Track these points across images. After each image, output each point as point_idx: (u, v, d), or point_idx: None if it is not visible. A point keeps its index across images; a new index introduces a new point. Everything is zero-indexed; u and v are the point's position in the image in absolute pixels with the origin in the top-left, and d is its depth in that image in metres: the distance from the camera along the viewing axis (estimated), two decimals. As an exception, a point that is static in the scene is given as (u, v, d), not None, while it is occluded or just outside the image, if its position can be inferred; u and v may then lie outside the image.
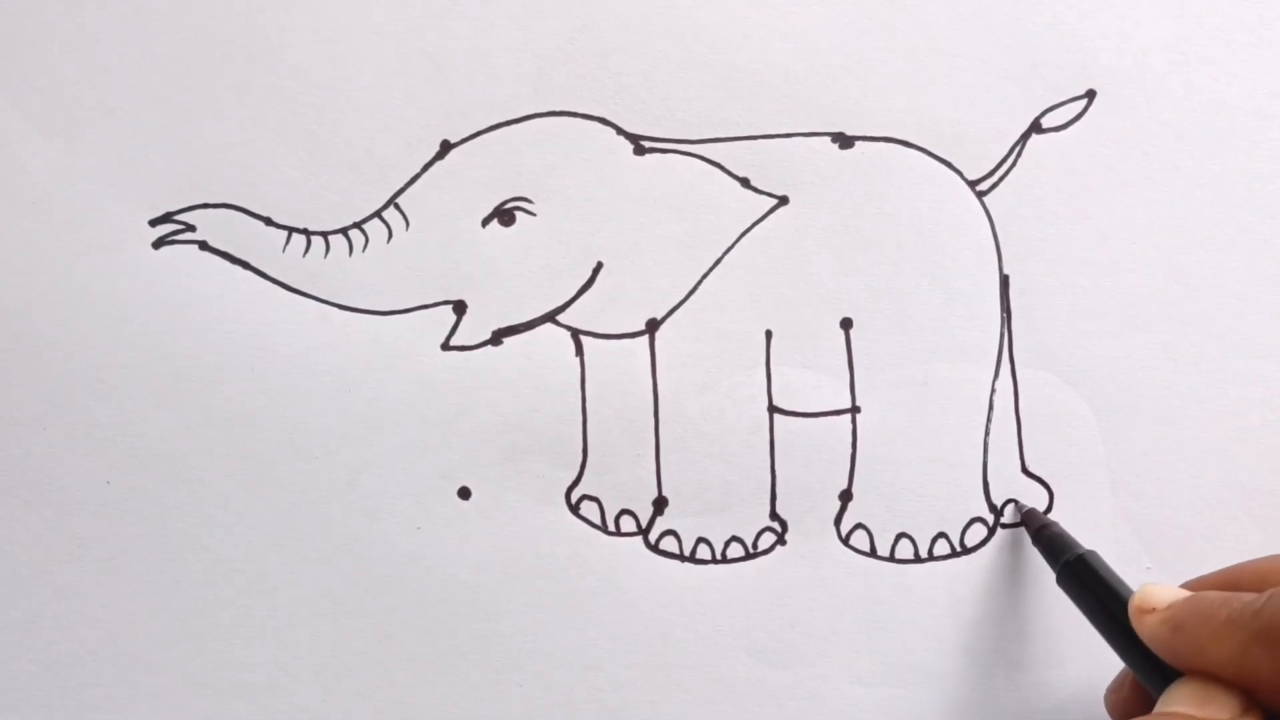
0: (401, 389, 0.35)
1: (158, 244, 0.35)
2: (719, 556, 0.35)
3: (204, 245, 0.35)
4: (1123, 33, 0.35)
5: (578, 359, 0.35)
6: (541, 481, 0.35)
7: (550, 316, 0.35)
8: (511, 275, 0.35)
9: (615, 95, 0.35)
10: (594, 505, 0.35)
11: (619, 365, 0.35)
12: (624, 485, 0.35)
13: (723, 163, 0.35)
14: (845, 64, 0.35)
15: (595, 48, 0.35)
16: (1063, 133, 0.35)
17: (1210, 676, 0.26)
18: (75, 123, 0.35)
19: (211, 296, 0.35)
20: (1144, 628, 0.28)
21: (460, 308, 0.35)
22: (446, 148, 0.35)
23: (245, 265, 0.35)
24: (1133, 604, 0.28)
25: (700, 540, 0.35)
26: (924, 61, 0.35)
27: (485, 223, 0.35)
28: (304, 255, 0.35)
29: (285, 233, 0.35)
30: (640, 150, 0.35)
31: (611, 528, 0.35)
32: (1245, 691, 0.26)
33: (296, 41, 0.35)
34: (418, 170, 0.35)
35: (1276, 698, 0.25)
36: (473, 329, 0.35)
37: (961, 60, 0.35)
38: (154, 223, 0.35)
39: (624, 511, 0.35)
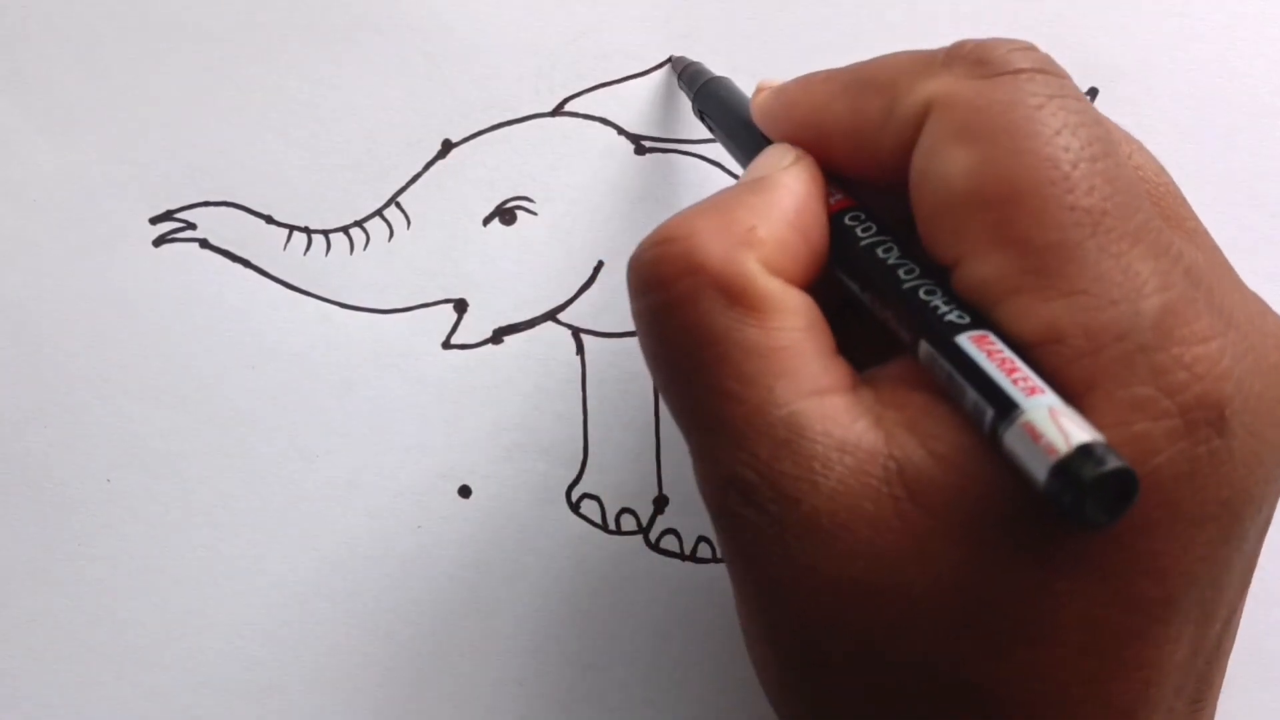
0: (402, 388, 0.35)
1: (158, 242, 0.35)
2: (720, 556, 0.35)
3: (204, 243, 0.35)
4: (1125, 30, 0.35)
5: (579, 358, 0.35)
6: (542, 480, 0.35)
7: (551, 315, 0.35)
8: (512, 274, 0.35)
9: (616, 95, 0.35)
10: (595, 504, 0.35)
11: (620, 364, 0.35)
12: (624, 484, 0.35)
13: (723, 163, 0.35)
14: (845, 64, 0.35)
15: (596, 48, 0.35)
16: (1064, 131, 0.35)
17: (787, 136, 0.26)
18: (75, 122, 0.35)
19: (212, 295, 0.35)
20: (756, 103, 0.28)
21: (461, 306, 0.35)
22: (448, 147, 0.35)
23: (246, 263, 0.35)
24: (757, 87, 0.28)
25: (701, 539, 0.35)
26: (925, 61, 0.35)
27: (486, 221, 0.35)
28: (305, 254, 0.35)
29: (286, 231, 0.35)
30: (641, 150, 0.35)
31: (612, 526, 0.35)
32: (819, 146, 0.25)
33: (296, 41, 0.35)
34: (419, 169, 0.35)
35: (844, 150, 0.25)
36: (474, 327, 0.35)
37: (962, 60, 0.35)
38: (154, 220, 0.35)
39: (624, 510, 0.35)
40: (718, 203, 0.24)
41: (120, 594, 0.35)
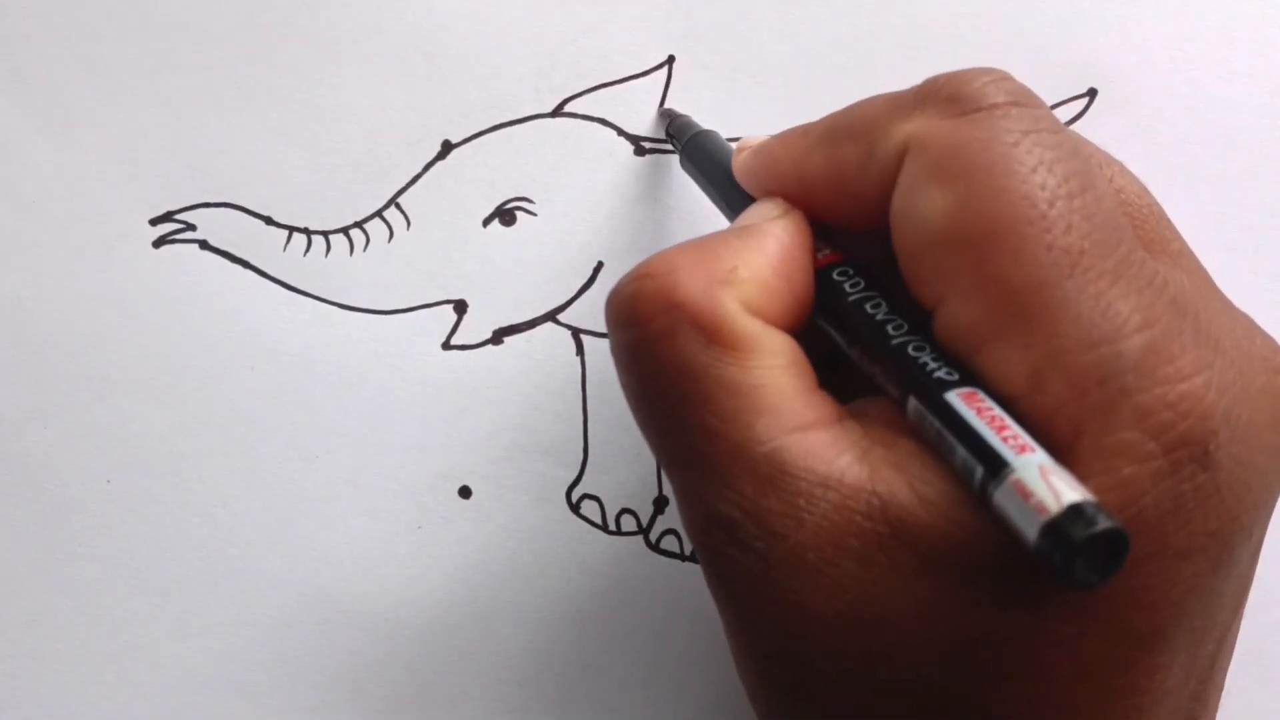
0: (402, 388, 0.35)
1: (158, 243, 0.35)
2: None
3: (204, 244, 0.35)
4: (1124, 31, 0.35)
5: (579, 358, 0.35)
6: (542, 480, 0.35)
7: (551, 316, 0.35)
8: (512, 275, 0.35)
9: (615, 96, 0.35)
10: (595, 504, 0.35)
11: (620, 364, 0.35)
12: (624, 484, 0.35)
13: (723, 163, 0.35)
14: (845, 64, 0.35)
15: (596, 48, 0.35)
16: (1064, 132, 0.35)
17: (776, 192, 0.26)
18: (75, 122, 0.35)
19: (211, 296, 0.35)
20: (737, 163, 0.28)
21: (461, 307, 0.35)
22: (448, 148, 0.35)
23: (246, 264, 0.35)
24: (737, 147, 0.28)
25: (701, 540, 0.35)
26: (924, 61, 0.35)
27: (486, 222, 0.35)
28: (305, 254, 0.35)
29: (286, 232, 0.35)
30: (641, 151, 0.35)
31: (612, 527, 0.35)
32: (803, 198, 0.25)
33: (296, 41, 0.35)
34: (419, 170, 0.35)
35: (827, 200, 0.25)
36: (474, 328, 0.35)
37: (962, 60, 0.35)
38: (154, 222, 0.35)
39: (624, 510, 0.35)
40: (701, 243, 0.24)
41: (120, 594, 0.35)
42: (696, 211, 0.35)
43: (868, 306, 0.24)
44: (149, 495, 0.35)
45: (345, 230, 0.35)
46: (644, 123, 0.35)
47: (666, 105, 0.35)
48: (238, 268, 0.35)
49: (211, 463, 0.35)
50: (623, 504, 0.35)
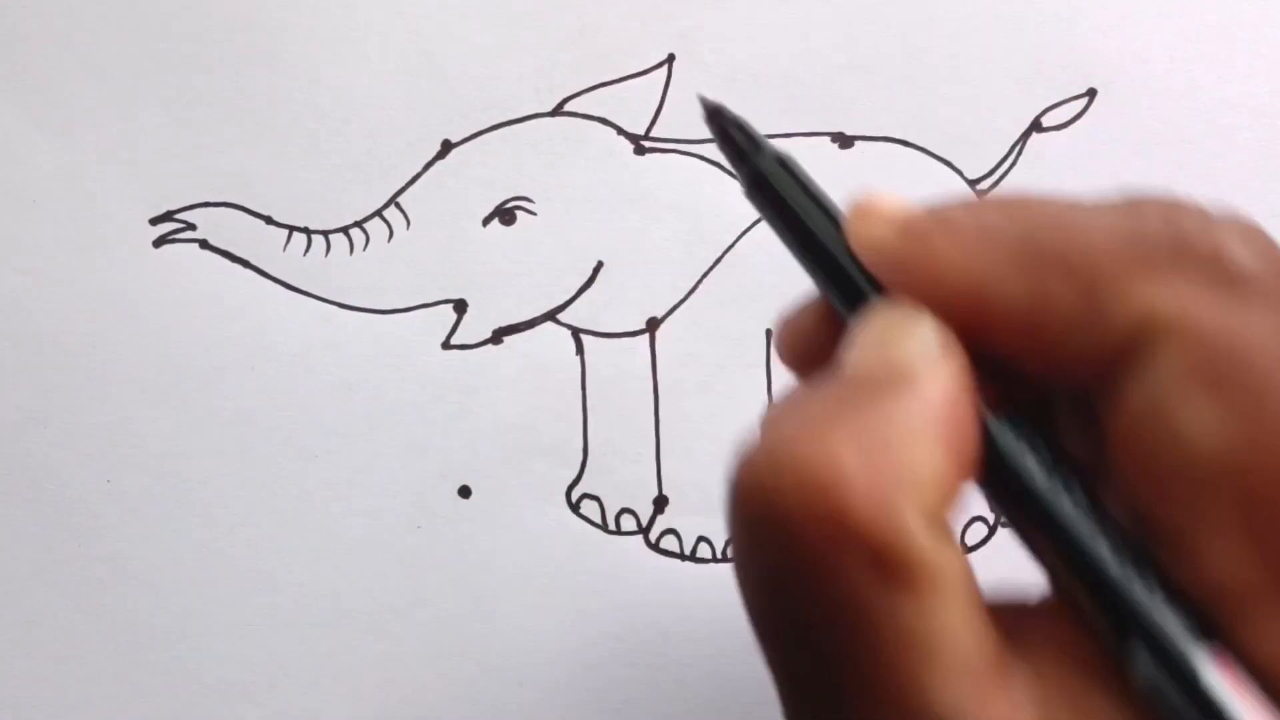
0: (402, 388, 0.35)
1: (158, 243, 0.35)
2: (719, 556, 0.35)
3: (204, 244, 0.35)
4: (1124, 31, 0.35)
5: (578, 358, 0.35)
6: (542, 480, 0.35)
7: (551, 315, 0.35)
8: (512, 274, 0.35)
9: (616, 95, 0.35)
10: (594, 504, 0.35)
11: (620, 364, 0.35)
12: (624, 484, 0.35)
13: (723, 163, 0.35)
14: (845, 64, 0.35)
15: (596, 48, 0.35)
16: (1063, 131, 0.35)
17: (923, 301, 0.20)
18: (75, 122, 0.35)
19: (211, 296, 0.35)
20: (864, 231, 0.20)
21: (461, 307, 0.35)
22: (448, 147, 0.35)
23: (246, 264, 0.35)
24: (856, 203, 0.21)
25: (701, 539, 0.35)
26: (924, 61, 0.35)
27: (486, 222, 0.35)
28: (305, 254, 0.35)
29: (286, 231, 0.35)
30: (641, 150, 0.35)
31: (612, 526, 0.35)
32: (971, 320, 0.19)
33: (296, 41, 0.35)
34: (419, 170, 0.35)
35: (1008, 338, 0.19)
36: (474, 328, 0.35)
37: (961, 60, 0.35)
38: (154, 221, 0.35)
39: (624, 510, 0.35)
40: (856, 412, 0.18)
41: (120, 594, 0.35)
42: (697, 211, 0.35)
43: (1068, 503, 0.18)
44: (149, 495, 0.35)
45: (345, 230, 0.35)
46: (644, 122, 0.35)
47: (704, 94, 0.24)
48: (238, 268, 0.35)
49: (211, 463, 0.35)
50: (623, 504, 0.35)
